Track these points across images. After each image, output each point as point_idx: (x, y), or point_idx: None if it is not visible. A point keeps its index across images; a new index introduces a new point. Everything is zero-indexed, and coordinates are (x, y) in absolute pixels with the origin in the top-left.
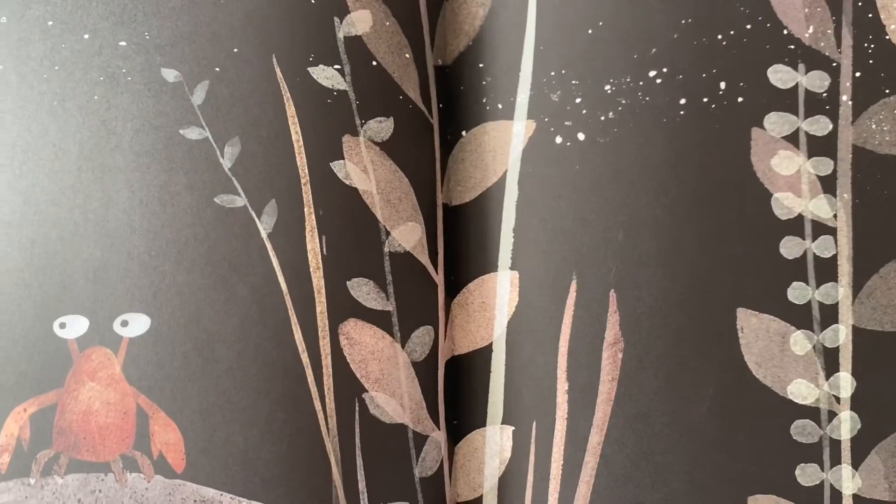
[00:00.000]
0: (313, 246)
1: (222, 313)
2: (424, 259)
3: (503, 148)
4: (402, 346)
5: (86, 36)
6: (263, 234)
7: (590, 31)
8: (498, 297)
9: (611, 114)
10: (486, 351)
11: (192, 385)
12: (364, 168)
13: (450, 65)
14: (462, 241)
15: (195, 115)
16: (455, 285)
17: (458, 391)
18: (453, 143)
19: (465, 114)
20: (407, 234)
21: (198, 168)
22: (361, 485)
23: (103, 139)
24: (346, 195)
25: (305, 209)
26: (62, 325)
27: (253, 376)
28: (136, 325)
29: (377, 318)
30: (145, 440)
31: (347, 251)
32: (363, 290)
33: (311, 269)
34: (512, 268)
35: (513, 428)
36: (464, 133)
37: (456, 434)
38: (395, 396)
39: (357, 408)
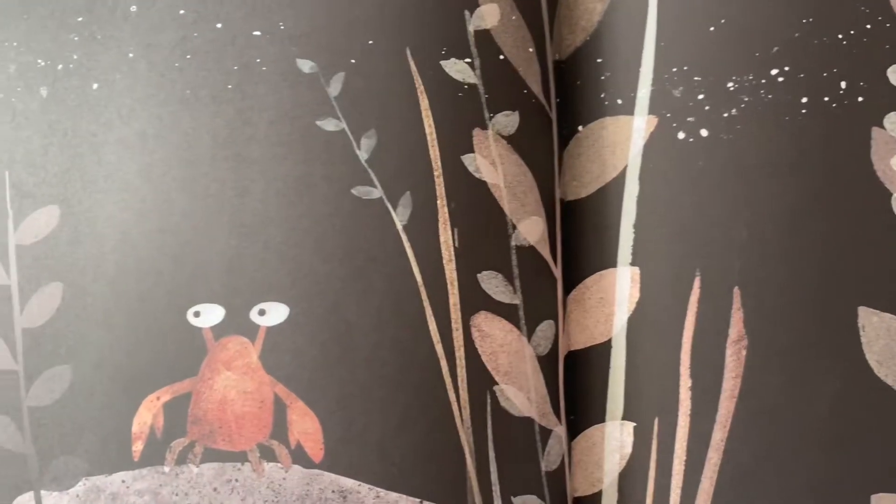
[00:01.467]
0: (446, 238)
1: (360, 303)
2: (546, 253)
3: (623, 143)
4: (528, 340)
5: (218, 25)
6: (399, 226)
7: (711, 29)
8: (617, 292)
9: (734, 111)
10: (605, 347)
11: (330, 375)
12: (493, 161)
13: (565, 59)
14: (578, 237)
15: (331, 107)
16: (571, 281)
17: (573, 386)
18: (569, 137)
19: (582, 109)
20: (531, 228)
21: (334, 159)
22: (494, 476)
23: (238, 129)
24: (476, 188)
25: (438, 201)
26: (196, 314)
27: (390, 367)
28: (274, 314)
29: (505, 312)
30: (282, 429)
31: (477, 244)
32: (493, 283)
33: (444, 261)
34: (632, 263)
35: (634, 424)
36: (580, 128)
37: (573, 429)
38: (522, 390)
39: (489, 400)
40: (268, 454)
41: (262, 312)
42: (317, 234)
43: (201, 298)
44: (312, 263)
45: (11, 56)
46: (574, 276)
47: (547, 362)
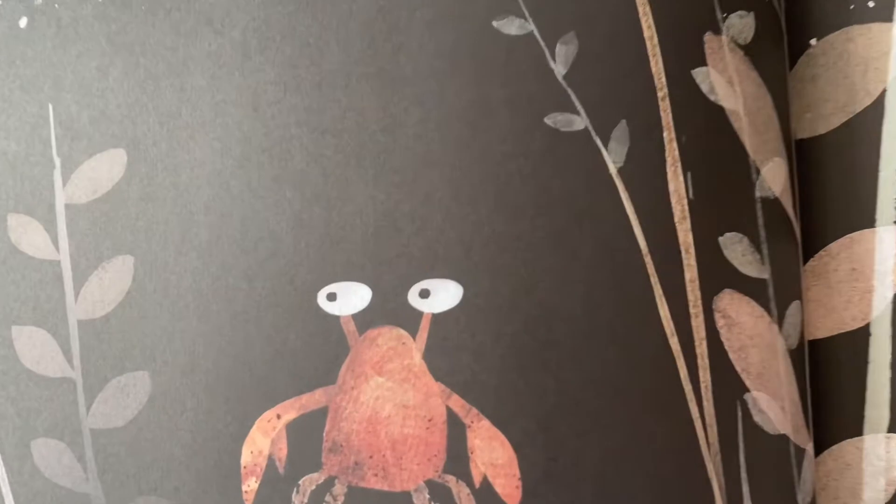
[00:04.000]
0: (677, 187)
1: (561, 280)
2: (790, 209)
3: (879, 59)
4: (780, 329)
5: None
6: (612, 169)
7: None
8: (877, 261)
9: None
10: (860, 335)
11: (526, 380)
12: (729, 79)
13: None
14: (817, 188)
15: (514, 1)
16: (808, 247)
17: (815, 388)
18: (797, 55)
19: (817, 15)
20: (775, 174)
21: (520, 75)
22: None
23: (381, 34)
24: (712, 115)
25: (665, 134)
26: (331, 297)
27: (609, 367)
28: (442, 295)
29: (753, 289)
30: (462, 460)
31: (716, 195)
32: (738, 250)
33: (675, 219)
34: None
35: None
36: (813, 42)
37: (817, 445)
38: (776, 398)
39: (739, 413)
40: (441, 495)
41: (424, 294)
42: (498, 182)
43: (337, 275)
44: (493, 224)
45: None
46: (813, 241)
47: (795, 359)
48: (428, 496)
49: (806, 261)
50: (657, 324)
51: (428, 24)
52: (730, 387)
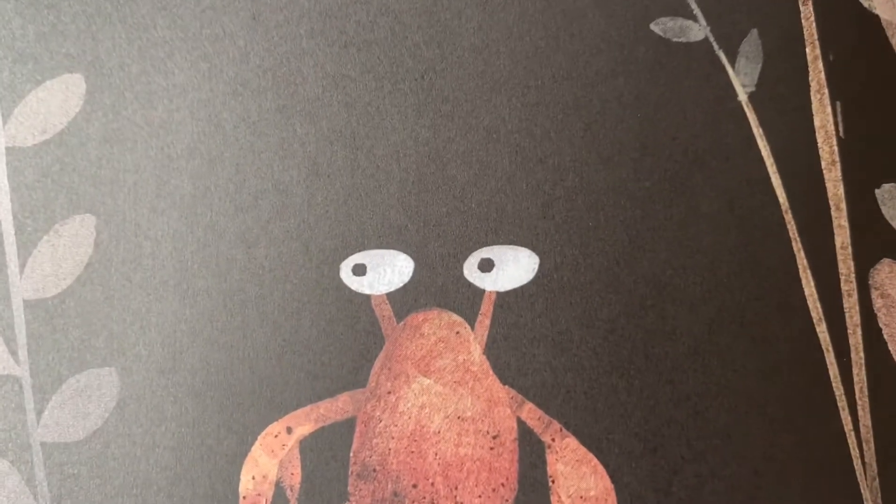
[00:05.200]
0: (823, 121)
1: (676, 247)
2: None
3: None
4: None
5: None
6: (742, 96)
7: None
8: None
9: None
10: None
11: (627, 384)
12: None
13: None
14: None
15: None
16: None
17: None
18: None
19: None
20: None
21: None
22: None
23: None
24: (867, 27)
25: (808, 50)
26: (358, 270)
27: (739, 368)
28: (511, 268)
29: None
30: (539, 491)
31: (873, 133)
32: None
33: (822, 165)
34: None
35: None
36: None
37: None
38: None
39: None
40: None
41: (486, 266)
42: (588, 112)
43: (367, 242)
44: (580, 171)
45: None
46: None
47: None
48: None
49: None
50: (801, 300)
51: None
52: (889, 377)
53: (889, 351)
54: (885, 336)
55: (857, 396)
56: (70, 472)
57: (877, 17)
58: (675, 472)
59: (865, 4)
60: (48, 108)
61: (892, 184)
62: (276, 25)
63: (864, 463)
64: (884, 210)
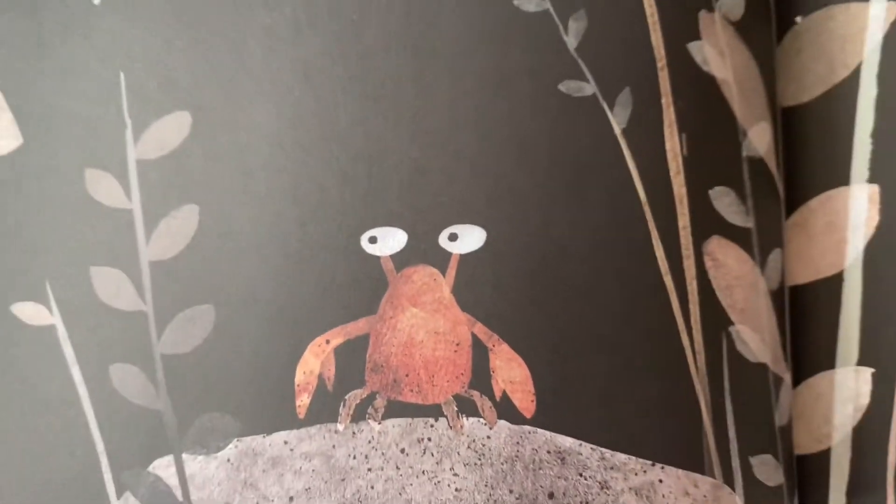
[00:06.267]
0: (673, 145)
1: (572, 224)
2: (773, 168)
3: (856, 36)
4: (762, 272)
5: None
6: (617, 130)
7: None
8: (851, 216)
9: None
10: (835, 281)
11: (540, 311)
12: (721, 51)
13: None
14: (799, 150)
15: None
16: (791, 202)
17: (795, 327)
18: (784, 31)
19: None
20: (761, 136)
21: (538, 47)
22: (731, 433)
23: (415, 12)
24: (705, 84)
25: (663, 100)
26: (372, 240)
27: (611, 300)
28: (469, 238)
29: (738, 237)
30: (484, 378)
31: (708, 153)
32: (725, 202)
33: (671, 174)
34: (870, 181)
35: (872, 370)
36: (799, 19)
37: (795, 377)
38: (757, 331)
39: (724, 343)
40: (467, 408)
41: (453, 237)
42: (517, 140)
43: (378, 221)
44: (514, 177)
45: None
46: (795, 197)
47: (775, 298)
48: (455, 408)
49: (789, 215)
50: (654, 264)
51: (457, 3)
52: (716, 320)
53: (716, 294)
54: (713, 285)
55: (692, 323)
56: (180, 374)
57: (712, 75)
58: (568, 365)
59: (705, 69)
60: (165, 134)
61: (720, 187)
62: (320, 84)
63: (696, 367)
64: (714, 204)
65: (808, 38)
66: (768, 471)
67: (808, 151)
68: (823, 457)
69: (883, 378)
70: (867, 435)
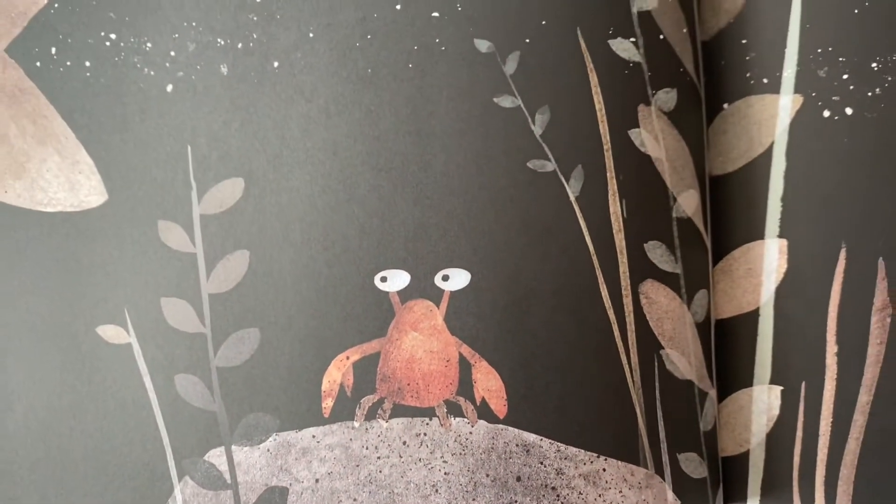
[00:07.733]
0: (615, 209)
1: (537, 270)
2: (700, 225)
3: (769, 121)
4: (689, 307)
5: (398, 7)
6: (572, 197)
7: (856, 11)
8: (765, 263)
9: (877, 90)
10: (752, 315)
11: (512, 336)
12: (655, 136)
13: (709, 41)
14: (725, 211)
15: (508, 85)
16: (718, 252)
17: (721, 353)
18: (713, 115)
19: (727, 87)
20: (689, 201)
21: (512, 134)
22: (662, 434)
23: (419, 106)
24: (642, 162)
25: (608, 174)
26: (383, 279)
27: (567, 330)
28: (457, 279)
29: (668, 280)
30: (468, 387)
31: (643, 215)
32: (657, 253)
33: (613, 231)
34: (780, 236)
35: (781, 388)
36: (725, 106)
37: (720, 393)
38: (684, 354)
39: (656, 363)
40: (454, 410)
41: (445, 278)
42: (496, 204)
43: (388, 265)
44: (492, 232)
45: (192, 35)
46: (721, 248)
47: (701, 329)
48: (446, 410)
49: (716, 262)
50: (600, 301)
51: (450, 99)
52: (650, 345)
53: (649, 325)
54: (647, 317)
55: (630, 347)
56: (231, 383)
57: (648, 154)
58: (534, 379)
59: (642, 150)
60: (223, 195)
61: (653, 241)
62: (346, 159)
63: (633, 382)
64: (649, 255)
65: (733, 121)
66: (693, 465)
67: (733, 211)
68: (743, 458)
69: (790, 394)
70: (778, 440)
